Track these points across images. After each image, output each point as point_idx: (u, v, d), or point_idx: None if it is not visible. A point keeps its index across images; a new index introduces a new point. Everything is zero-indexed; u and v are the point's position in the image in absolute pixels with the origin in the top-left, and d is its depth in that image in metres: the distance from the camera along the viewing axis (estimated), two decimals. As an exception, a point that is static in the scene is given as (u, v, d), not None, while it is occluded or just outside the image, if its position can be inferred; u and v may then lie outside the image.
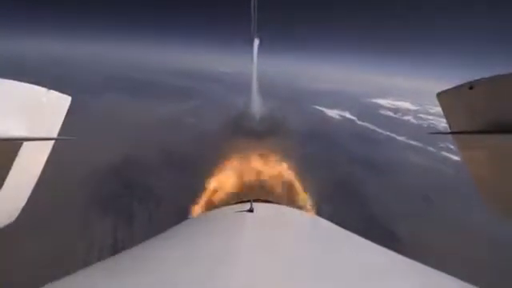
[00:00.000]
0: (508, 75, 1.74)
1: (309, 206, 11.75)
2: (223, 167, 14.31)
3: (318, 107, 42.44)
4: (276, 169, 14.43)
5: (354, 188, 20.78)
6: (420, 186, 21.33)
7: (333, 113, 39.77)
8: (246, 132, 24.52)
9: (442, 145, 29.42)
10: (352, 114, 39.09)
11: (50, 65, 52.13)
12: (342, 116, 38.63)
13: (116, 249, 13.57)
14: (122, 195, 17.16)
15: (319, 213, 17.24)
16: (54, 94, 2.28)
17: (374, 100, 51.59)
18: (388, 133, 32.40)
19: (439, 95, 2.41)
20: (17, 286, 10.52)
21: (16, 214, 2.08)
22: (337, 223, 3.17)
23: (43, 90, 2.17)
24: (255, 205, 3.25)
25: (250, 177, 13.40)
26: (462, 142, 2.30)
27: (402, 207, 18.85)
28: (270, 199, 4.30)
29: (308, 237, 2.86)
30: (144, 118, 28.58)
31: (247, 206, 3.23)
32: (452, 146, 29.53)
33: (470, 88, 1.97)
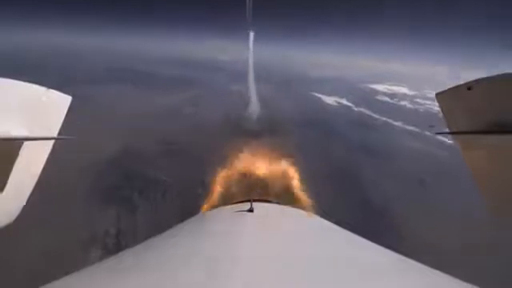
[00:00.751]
0: (506, 75, 1.76)
1: (309, 206, 11.89)
2: (222, 167, 14.23)
3: (315, 94, 42.31)
4: (276, 168, 14.42)
5: (350, 173, 21.18)
6: (415, 169, 21.77)
7: (330, 100, 39.70)
8: (245, 131, 24.68)
9: (438, 130, 29.79)
10: (349, 100, 39.08)
11: (50, 55, 51.06)
12: (339, 103, 38.62)
13: (120, 238, 13.87)
14: (123, 185, 17.33)
15: (316, 200, 17.65)
16: (54, 93, 2.27)
17: (371, 86, 51.42)
18: (385, 118, 32.60)
19: (438, 96, 2.42)
20: (22, 275, 10.83)
21: (16, 213, 2.08)
22: (336, 222, 3.18)
23: (43, 89, 2.17)
24: (255, 205, 3.24)
25: (249, 177, 13.53)
26: (461, 142, 2.29)
27: (398, 191, 19.30)
28: (270, 199, 4.29)
29: (308, 237, 2.85)
30: (144, 109, 28.52)
31: (247, 205, 3.23)
32: (447, 130, 29.96)
33: (469, 88, 1.98)
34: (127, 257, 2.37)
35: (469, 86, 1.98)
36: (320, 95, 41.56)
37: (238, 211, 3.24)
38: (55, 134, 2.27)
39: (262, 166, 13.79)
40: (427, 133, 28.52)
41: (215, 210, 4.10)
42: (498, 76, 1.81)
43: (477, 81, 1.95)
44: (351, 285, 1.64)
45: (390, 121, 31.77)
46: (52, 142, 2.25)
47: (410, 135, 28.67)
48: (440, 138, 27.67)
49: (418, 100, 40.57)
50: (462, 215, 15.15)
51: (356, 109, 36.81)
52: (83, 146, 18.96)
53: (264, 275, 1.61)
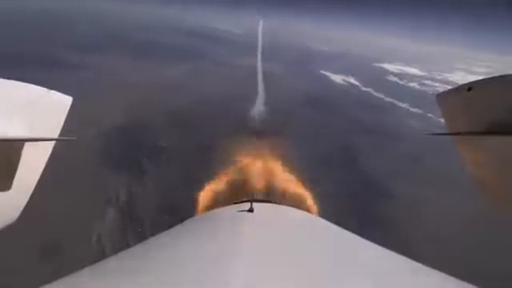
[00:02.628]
0: (506, 76, 1.77)
1: (309, 206, 11.74)
2: (224, 169, 14.23)
3: (323, 72, 41.46)
4: (278, 169, 14.25)
5: (353, 152, 21.72)
6: (416, 150, 22.19)
7: (338, 78, 38.99)
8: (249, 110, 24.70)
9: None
10: (357, 79, 38.35)
11: (47, 19, 49.47)
12: (346, 81, 37.98)
13: (131, 201, 15.02)
14: (131, 154, 18.17)
15: (316, 178, 18.50)
16: (55, 94, 2.30)
17: (381, 65, 49.89)
18: (391, 100, 32.30)
19: (438, 96, 2.44)
20: (40, 239, 11.83)
21: (17, 214, 2.09)
22: (336, 222, 3.20)
23: (44, 90, 2.20)
24: (255, 205, 3.23)
25: (250, 177, 13.32)
26: (461, 143, 2.28)
27: (398, 169, 19.95)
28: (270, 199, 4.31)
29: (308, 237, 2.83)
30: (147, 79, 28.49)
31: (247, 205, 3.22)
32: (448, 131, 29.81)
33: (469, 89, 1.99)
34: (127, 257, 2.35)
35: (469, 87, 1.99)
36: (328, 73, 40.78)
37: (237, 211, 3.21)
38: (56, 135, 2.30)
39: (262, 168, 13.82)
40: (430, 115, 28.57)
41: (215, 210, 4.02)
42: (498, 77, 1.82)
43: (477, 82, 1.98)
44: (351, 285, 1.65)
45: (396, 102, 31.55)
46: (53, 143, 2.27)
47: (415, 118, 28.67)
48: (443, 120, 27.64)
49: (427, 82, 39.64)
50: (456, 190, 15.68)
51: (364, 88, 36.28)
52: (89, 118, 19.71)
53: (264, 275, 1.60)
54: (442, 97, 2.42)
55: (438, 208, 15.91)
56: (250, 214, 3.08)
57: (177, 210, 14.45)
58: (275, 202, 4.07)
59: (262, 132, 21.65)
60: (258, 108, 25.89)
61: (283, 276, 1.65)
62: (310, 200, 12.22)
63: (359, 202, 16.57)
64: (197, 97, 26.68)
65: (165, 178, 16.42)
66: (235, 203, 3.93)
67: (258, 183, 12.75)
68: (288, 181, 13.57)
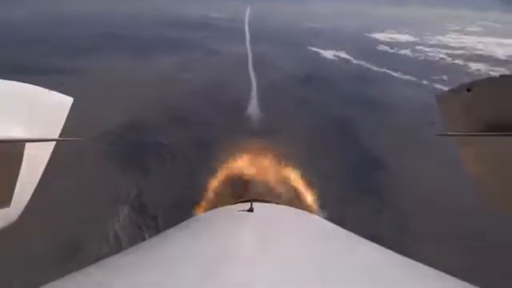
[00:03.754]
0: (505, 76, 1.78)
1: (310, 206, 11.75)
2: (222, 167, 14.28)
3: (314, 49, 40.88)
4: (277, 168, 14.13)
5: (347, 125, 22.14)
6: (410, 118, 22.58)
7: (328, 53, 38.52)
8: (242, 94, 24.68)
9: (435, 77, 29.73)
10: (348, 53, 37.92)
11: (38, 23, 48.04)
12: (337, 56, 37.60)
13: (142, 197, 15.61)
14: (134, 153, 18.60)
15: (311, 150, 18.98)
16: (56, 95, 2.30)
17: (372, 35, 49.03)
18: (384, 69, 32.19)
19: (437, 97, 2.44)
20: (58, 240, 12.30)
21: (17, 215, 2.09)
22: (336, 223, 3.23)
23: (45, 90, 2.20)
24: (255, 205, 3.22)
25: (249, 177, 13.27)
26: (461, 143, 2.28)
27: (392, 140, 20.44)
28: (270, 199, 4.32)
29: (308, 237, 2.83)
30: (141, 76, 28.38)
31: (247, 206, 3.22)
32: (445, 77, 29.80)
33: (468, 90, 1.99)
34: (126, 257, 2.36)
35: (468, 87, 1.99)
36: (318, 49, 40.24)
37: (237, 211, 3.22)
38: (57, 136, 2.31)
39: (262, 166, 13.88)
40: (424, 82, 28.66)
41: (215, 210, 4.06)
42: (498, 77, 1.82)
43: (476, 82, 1.98)
44: (352, 285, 1.64)
45: (388, 72, 31.47)
46: (53, 143, 2.26)
47: (407, 85, 28.79)
48: (436, 86, 27.90)
49: (419, 47, 39.13)
50: (452, 160, 16.28)
51: (355, 61, 36.02)
52: (90, 119, 19.91)
53: (264, 276, 1.59)
54: (442, 97, 2.43)
55: (433, 178, 16.39)
56: (249, 213, 3.07)
57: (186, 204, 15.07)
58: (275, 202, 4.08)
59: (258, 120, 21.90)
60: (251, 95, 25.99)
61: (283, 276, 1.64)
62: (309, 199, 12.34)
63: (356, 175, 17.20)
64: (191, 89, 26.72)
65: (170, 174, 16.98)
66: (235, 203, 3.95)
67: (258, 183, 12.88)
68: (288, 179, 13.70)
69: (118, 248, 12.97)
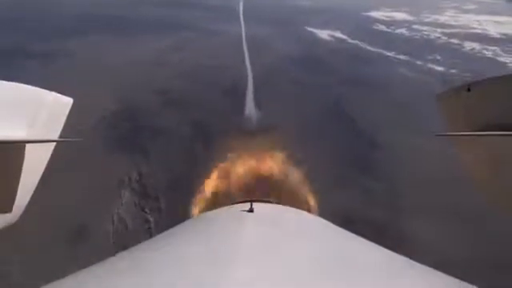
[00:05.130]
0: (506, 76, 1.79)
1: (310, 206, 11.68)
2: (220, 167, 14.23)
3: (309, 29, 40.00)
4: (277, 168, 14.23)
5: (342, 106, 22.48)
6: (404, 98, 22.96)
7: (324, 33, 37.80)
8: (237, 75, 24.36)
9: (429, 57, 29.80)
10: (343, 32, 37.27)
11: (16, 2, 45.39)
12: (333, 36, 36.97)
13: (143, 180, 16.00)
14: (131, 137, 18.73)
15: (304, 130, 19.38)
16: (56, 96, 2.32)
17: (368, 13, 47.94)
18: (379, 49, 31.98)
19: (438, 96, 2.46)
20: (65, 223, 12.83)
21: (18, 215, 2.12)
22: (337, 223, 3.23)
23: (45, 92, 2.23)
24: (255, 205, 3.22)
25: (249, 177, 13.35)
26: (460, 143, 2.29)
27: (385, 119, 20.92)
28: (270, 199, 4.34)
29: (308, 237, 2.83)
30: (131, 58, 27.66)
31: (247, 206, 3.22)
32: (439, 57, 29.88)
33: (468, 90, 2.02)
34: (126, 257, 2.36)
35: (468, 87, 2.02)
36: (314, 29, 39.41)
37: (237, 211, 3.23)
38: (57, 137, 2.34)
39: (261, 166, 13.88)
40: (418, 62, 28.75)
41: (215, 211, 4.01)
42: (498, 77, 1.84)
43: (476, 82, 2.00)
44: (352, 285, 1.64)
45: (383, 51, 31.32)
46: (53, 144, 2.29)
47: (401, 65, 28.86)
48: (429, 65, 28.10)
49: (416, 26, 38.63)
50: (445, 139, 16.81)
51: (351, 41, 35.57)
52: (84, 107, 19.66)
53: (264, 276, 1.60)
54: (442, 97, 2.44)
55: (426, 155, 16.83)
56: (249, 214, 3.06)
57: (186, 186, 15.56)
58: (275, 202, 4.09)
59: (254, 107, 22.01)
60: (245, 75, 25.80)
61: (283, 277, 1.63)
62: (310, 199, 12.48)
63: (350, 154, 17.79)
64: (184, 71, 26.30)
65: (169, 158, 17.30)
66: (235, 203, 3.98)
67: (257, 182, 13.00)
68: (288, 178, 13.85)
69: (123, 229, 13.53)
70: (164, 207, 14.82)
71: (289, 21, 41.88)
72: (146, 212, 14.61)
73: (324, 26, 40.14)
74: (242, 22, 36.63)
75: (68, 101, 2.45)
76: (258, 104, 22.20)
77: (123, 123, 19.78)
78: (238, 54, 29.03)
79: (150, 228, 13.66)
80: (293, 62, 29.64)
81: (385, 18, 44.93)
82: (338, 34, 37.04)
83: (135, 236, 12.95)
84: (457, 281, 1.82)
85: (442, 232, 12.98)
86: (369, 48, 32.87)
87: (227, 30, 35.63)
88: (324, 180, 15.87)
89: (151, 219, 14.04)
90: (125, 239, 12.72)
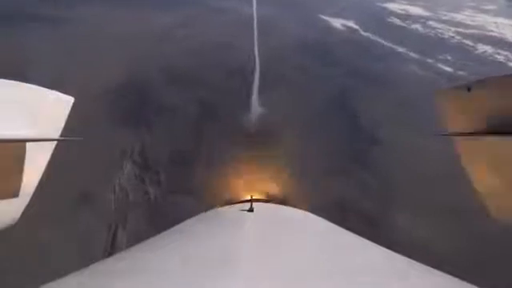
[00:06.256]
0: (505, 76, 1.78)
1: (310, 207, 11.65)
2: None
3: (322, 16, 38.87)
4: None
5: (346, 99, 22.47)
6: (410, 95, 22.93)
7: (337, 23, 36.77)
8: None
9: (440, 56, 29.32)
10: (357, 23, 36.26)
11: None
12: (345, 26, 36.05)
13: (145, 155, 16.37)
14: (136, 111, 18.91)
15: (306, 124, 19.54)
16: (56, 94, 2.33)
17: (384, 5, 46.29)
18: (391, 44, 31.37)
19: (437, 96, 2.45)
20: (71, 191, 13.31)
21: (18, 215, 2.11)
22: (336, 223, 3.26)
23: (45, 89, 2.22)
24: (255, 205, 3.22)
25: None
26: (460, 143, 2.28)
27: (388, 115, 21.03)
28: (270, 199, 4.28)
29: (309, 237, 2.84)
30: (138, 31, 27.12)
31: (247, 206, 3.23)
32: (449, 57, 29.42)
33: (468, 89, 2.01)
34: (126, 257, 2.37)
35: (468, 87, 2.00)
36: (327, 18, 38.31)
37: (237, 211, 3.24)
38: (57, 135, 2.34)
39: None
40: (429, 60, 28.32)
41: (214, 210, 4.02)
42: (498, 77, 1.83)
43: (476, 81, 1.98)
44: (352, 285, 1.64)
45: (395, 47, 30.75)
46: (54, 143, 2.29)
47: (411, 62, 28.49)
48: (439, 65, 27.79)
49: (431, 23, 37.59)
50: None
51: (363, 33, 34.73)
52: (88, 77, 19.69)
53: (264, 276, 1.60)
54: (442, 96, 2.43)
55: (424, 152, 16.97)
56: (250, 213, 3.08)
57: (187, 161, 15.96)
58: (275, 202, 4.14)
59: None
60: (253, 60, 25.53)
61: (284, 276, 1.64)
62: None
63: (350, 147, 18.08)
64: (191, 47, 25.92)
65: (172, 133, 17.57)
66: (235, 203, 4.02)
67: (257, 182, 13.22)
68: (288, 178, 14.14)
69: (124, 197, 14.05)
70: (163, 181, 15.30)
71: (302, 5, 40.61)
72: (145, 184, 15.10)
73: (338, 14, 38.95)
74: (255, 4, 35.50)
75: (69, 99, 2.45)
76: (262, 89, 22.19)
77: (127, 97, 19.85)
78: (249, 36, 28.49)
79: (149, 199, 14.20)
80: (302, 48, 29.17)
81: (400, 12, 43.53)
82: (351, 24, 36.07)
83: (135, 205, 13.56)
84: (457, 280, 1.82)
85: (429, 226, 13.48)
86: (381, 41, 32.21)
87: (239, 10, 34.63)
88: (320, 171, 16.30)
89: (151, 191, 14.54)
90: (126, 207, 13.32)
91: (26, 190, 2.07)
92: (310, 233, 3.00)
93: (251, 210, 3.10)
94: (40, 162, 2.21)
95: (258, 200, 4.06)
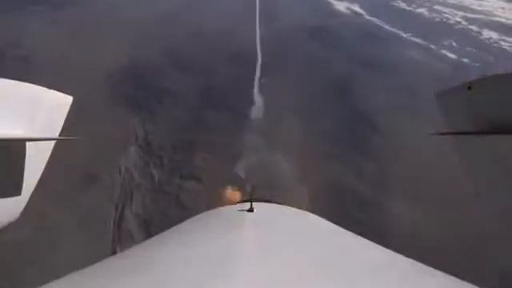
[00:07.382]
0: (506, 75, 1.76)
1: (310, 207, 11.63)
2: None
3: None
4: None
5: (347, 84, 22.53)
6: (411, 81, 22.93)
7: (342, 5, 35.89)
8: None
9: (445, 42, 28.86)
10: (362, 7, 35.39)
11: None
12: (350, 9, 35.20)
13: (148, 140, 16.76)
14: (139, 96, 19.11)
15: (308, 110, 19.74)
16: (55, 93, 2.30)
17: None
18: (395, 29, 30.81)
19: (437, 95, 2.44)
20: (77, 173, 13.73)
21: (17, 214, 2.10)
22: (336, 223, 3.26)
23: (44, 89, 2.20)
24: (255, 205, 3.18)
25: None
26: (461, 142, 2.26)
27: (389, 102, 21.17)
28: (271, 199, 4.31)
29: (309, 237, 2.80)
30: (143, 14, 26.79)
31: (247, 205, 3.18)
32: (454, 43, 28.98)
33: (469, 88, 1.98)
34: (126, 257, 2.35)
35: (469, 86, 1.98)
36: (331, 0, 37.32)
37: (237, 211, 3.20)
38: (57, 135, 2.31)
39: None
40: (432, 46, 27.92)
41: (214, 210, 3.98)
42: (499, 75, 1.81)
43: (477, 80, 1.97)
44: (352, 285, 1.64)
45: (399, 32, 30.24)
46: (53, 142, 2.27)
47: (415, 48, 28.13)
48: (442, 52, 27.40)
49: (437, 7, 36.60)
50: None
51: (368, 17, 33.98)
52: (91, 61, 19.72)
53: (265, 276, 1.58)
54: (442, 95, 2.42)
55: (425, 142, 17.25)
56: (250, 213, 3.03)
57: (190, 147, 16.42)
58: (275, 202, 4.09)
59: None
60: (256, 44, 25.30)
61: (284, 277, 1.63)
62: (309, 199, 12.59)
63: (351, 138, 18.30)
64: (194, 32, 25.69)
65: (175, 118, 17.88)
66: (235, 203, 4.00)
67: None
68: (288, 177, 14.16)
69: (130, 179, 14.61)
70: (166, 165, 15.79)
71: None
72: (149, 167, 15.62)
73: (343, -4, 37.82)
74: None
75: (68, 99, 2.44)
76: (264, 73, 22.22)
77: (131, 81, 19.99)
78: (251, 19, 28.02)
79: (153, 181, 14.78)
80: (305, 31, 28.78)
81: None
82: (356, 8, 35.19)
83: (139, 186, 14.20)
84: (457, 281, 1.80)
85: (421, 214, 13.94)
86: (385, 26, 31.58)
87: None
88: (318, 156, 16.72)
89: (155, 173, 15.09)
90: (131, 187, 13.97)
91: (25, 189, 2.06)
92: (310, 233, 2.97)
93: (251, 209, 3.04)
94: (39, 161, 2.21)
95: (258, 200, 3.82)
